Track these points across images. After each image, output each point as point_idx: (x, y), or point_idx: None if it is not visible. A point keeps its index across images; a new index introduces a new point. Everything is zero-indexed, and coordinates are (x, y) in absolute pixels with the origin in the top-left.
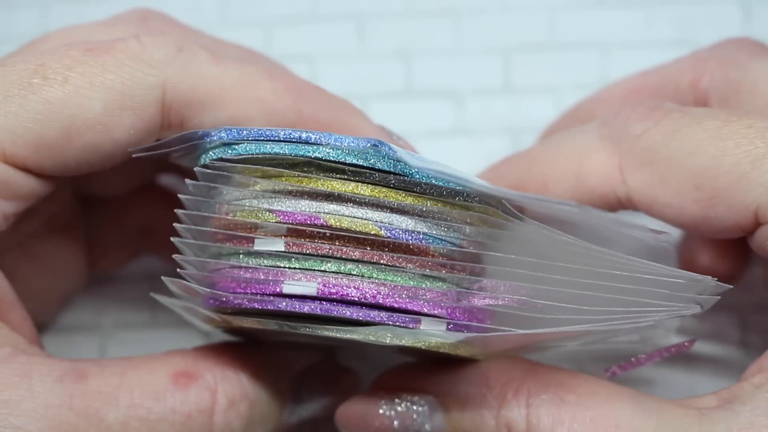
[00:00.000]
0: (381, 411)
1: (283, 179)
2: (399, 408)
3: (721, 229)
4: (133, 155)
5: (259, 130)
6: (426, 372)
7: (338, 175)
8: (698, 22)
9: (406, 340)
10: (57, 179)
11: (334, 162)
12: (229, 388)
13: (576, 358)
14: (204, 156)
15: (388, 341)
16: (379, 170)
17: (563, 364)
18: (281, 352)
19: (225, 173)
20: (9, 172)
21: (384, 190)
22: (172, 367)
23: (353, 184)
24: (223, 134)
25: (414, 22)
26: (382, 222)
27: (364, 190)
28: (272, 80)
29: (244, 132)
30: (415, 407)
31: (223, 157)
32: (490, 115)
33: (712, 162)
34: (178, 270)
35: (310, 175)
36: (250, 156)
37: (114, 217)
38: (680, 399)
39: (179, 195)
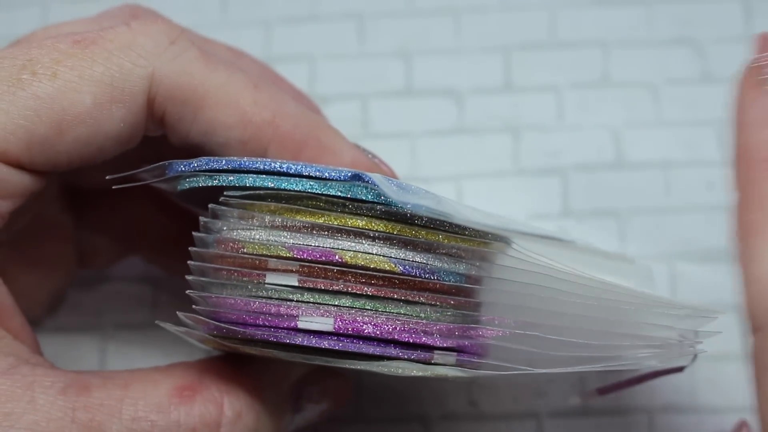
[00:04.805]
0: None
1: (295, 214)
2: None
3: None
4: (113, 187)
5: (239, 160)
6: None
7: (350, 210)
8: (699, 19)
9: (416, 371)
10: (49, 175)
11: (322, 195)
12: (235, 401)
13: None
14: (183, 182)
15: (399, 372)
16: (368, 201)
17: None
18: (279, 363)
19: (234, 208)
20: (3, 170)
21: (396, 225)
22: (176, 381)
23: (366, 219)
24: (201, 163)
25: (414, 21)
26: (396, 258)
27: (378, 225)
28: (256, 91)
29: (223, 162)
30: None
31: (226, 186)
32: (490, 114)
33: None
34: (193, 307)
35: (322, 210)
36: (252, 190)
37: (101, 217)
38: None
39: (193, 233)
